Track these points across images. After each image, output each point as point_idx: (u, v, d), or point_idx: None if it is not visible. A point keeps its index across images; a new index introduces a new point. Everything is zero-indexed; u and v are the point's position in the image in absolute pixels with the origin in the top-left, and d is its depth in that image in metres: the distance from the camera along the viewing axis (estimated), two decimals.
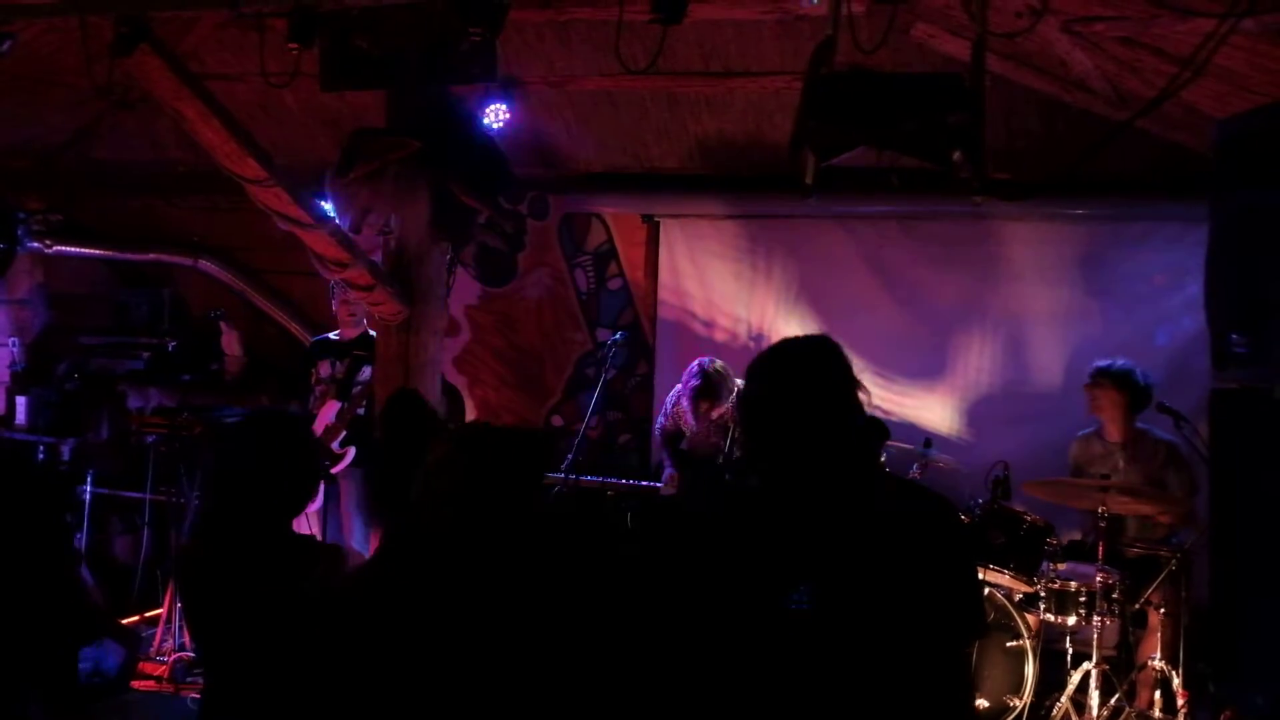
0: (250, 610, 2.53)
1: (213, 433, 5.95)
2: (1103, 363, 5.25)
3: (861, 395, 2.15)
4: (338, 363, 5.82)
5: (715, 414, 5.68)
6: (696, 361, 5.78)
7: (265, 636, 2.51)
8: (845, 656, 2.00)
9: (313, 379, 5.86)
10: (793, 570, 2.02)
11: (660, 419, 6.04)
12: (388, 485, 2.64)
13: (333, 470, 5.56)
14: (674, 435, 5.94)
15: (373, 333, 5.46)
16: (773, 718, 2.02)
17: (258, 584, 2.53)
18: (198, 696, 4.37)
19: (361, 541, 5.19)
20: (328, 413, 5.73)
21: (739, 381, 5.76)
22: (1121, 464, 5.14)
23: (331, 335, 5.93)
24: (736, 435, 5.64)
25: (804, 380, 2.12)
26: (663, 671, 2.09)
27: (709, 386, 5.59)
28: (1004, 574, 4.79)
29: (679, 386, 5.85)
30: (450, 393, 6.25)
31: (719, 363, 5.76)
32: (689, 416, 5.79)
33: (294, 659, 2.41)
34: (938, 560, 2.06)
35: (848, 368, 2.16)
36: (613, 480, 6.01)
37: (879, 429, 2.40)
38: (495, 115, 6.01)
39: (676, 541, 2.21)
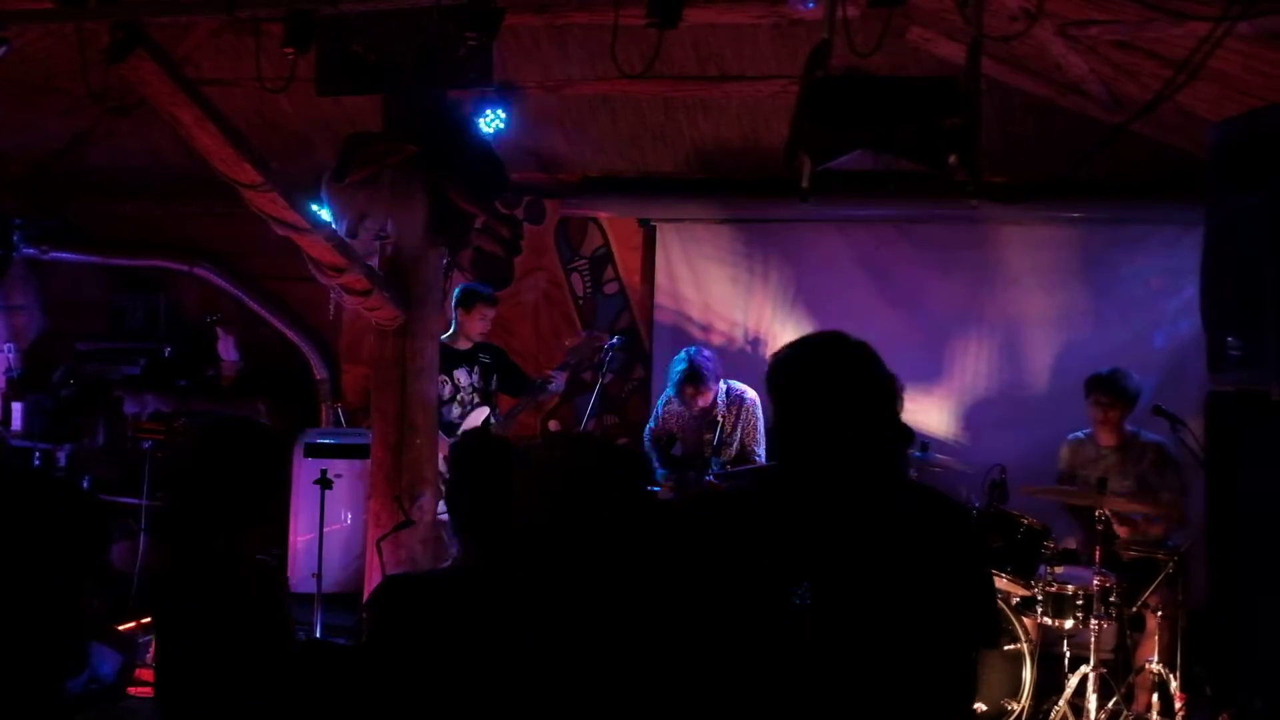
0: (190, 627, 2.52)
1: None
2: (1101, 374, 5.19)
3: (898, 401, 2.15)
4: (471, 371, 5.81)
5: (701, 402, 5.68)
6: (684, 349, 5.78)
7: (204, 650, 2.50)
8: (845, 654, 1.99)
9: (446, 386, 5.73)
10: (796, 566, 2.01)
11: (650, 423, 6.04)
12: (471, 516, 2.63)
13: None
14: (663, 439, 5.94)
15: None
16: (774, 713, 2.01)
17: (202, 598, 2.52)
18: None
19: None
20: (476, 417, 5.75)
21: (734, 383, 5.80)
22: (1114, 468, 5.14)
23: (448, 342, 5.77)
24: (726, 429, 5.69)
25: (850, 376, 2.11)
26: (670, 668, 2.09)
27: (694, 372, 5.59)
28: (1001, 577, 4.79)
29: (668, 390, 5.85)
30: None
31: (706, 351, 5.79)
32: (675, 404, 5.81)
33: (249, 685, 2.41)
34: (953, 565, 2.06)
35: (887, 372, 2.16)
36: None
37: (903, 433, 2.39)
38: (491, 120, 6.02)
39: (678, 541, 2.21)
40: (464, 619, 2.06)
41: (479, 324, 5.81)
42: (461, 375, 5.77)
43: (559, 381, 5.94)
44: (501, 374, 5.92)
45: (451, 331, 5.80)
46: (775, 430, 2.21)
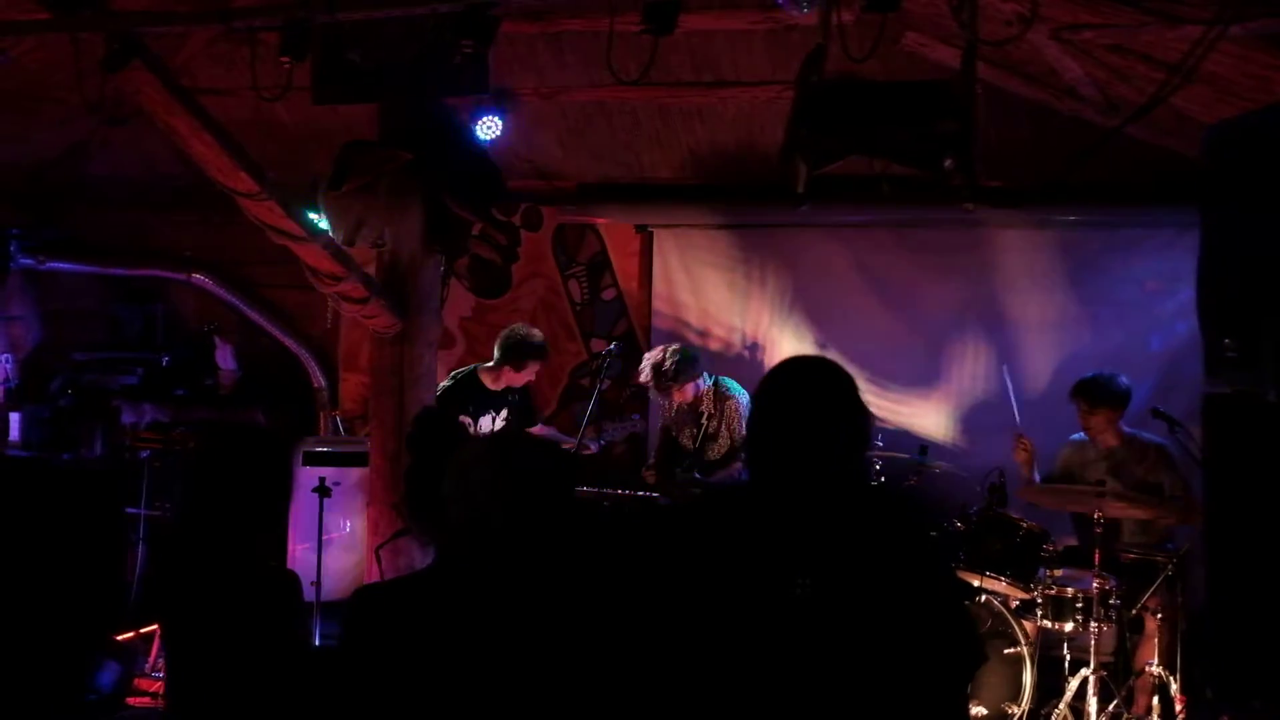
0: (206, 627, 2.53)
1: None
2: (1085, 380, 5.18)
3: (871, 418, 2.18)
4: (496, 415, 5.63)
5: (679, 399, 5.72)
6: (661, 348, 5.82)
7: (219, 651, 2.51)
8: (843, 646, 2.00)
9: (469, 427, 5.56)
10: (792, 563, 2.03)
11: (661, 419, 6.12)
12: (424, 498, 2.63)
13: None
14: (670, 432, 6.00)
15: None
16: (771, 704, 2.02)
17: (218, 601, 2.53)
18: None
19: None
20: None
21: (727, 381, 5.81)
22: (1115, 468, 5.13)
23: (484, 378, 5.62)
24: (710, 427, 5.72)
25: (825, 401, 2.13)
26: (668, 663, 2.09)
27: (657, 374, 5.63)
28: (1001, 581, 4.79)
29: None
30: None
31: (671, 348, 5.74)
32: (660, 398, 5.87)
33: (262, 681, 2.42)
34: (925, 587, 2.08)
35: (856, 392, 2.18)
36: (608, 490, 6.01)
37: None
38: (487, 127, 6.03)
39: (674, 542, 2.22)
40: (438, 623, 2.05)
41: (525, 377, 5.64)
42: (485, 421, 5.59)
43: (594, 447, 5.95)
44: (520, 413, 5.77)
45: (490, 367, 5.62)
46: (752, 442, 2.23)
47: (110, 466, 6.54)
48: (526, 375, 5.64)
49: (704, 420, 5.72)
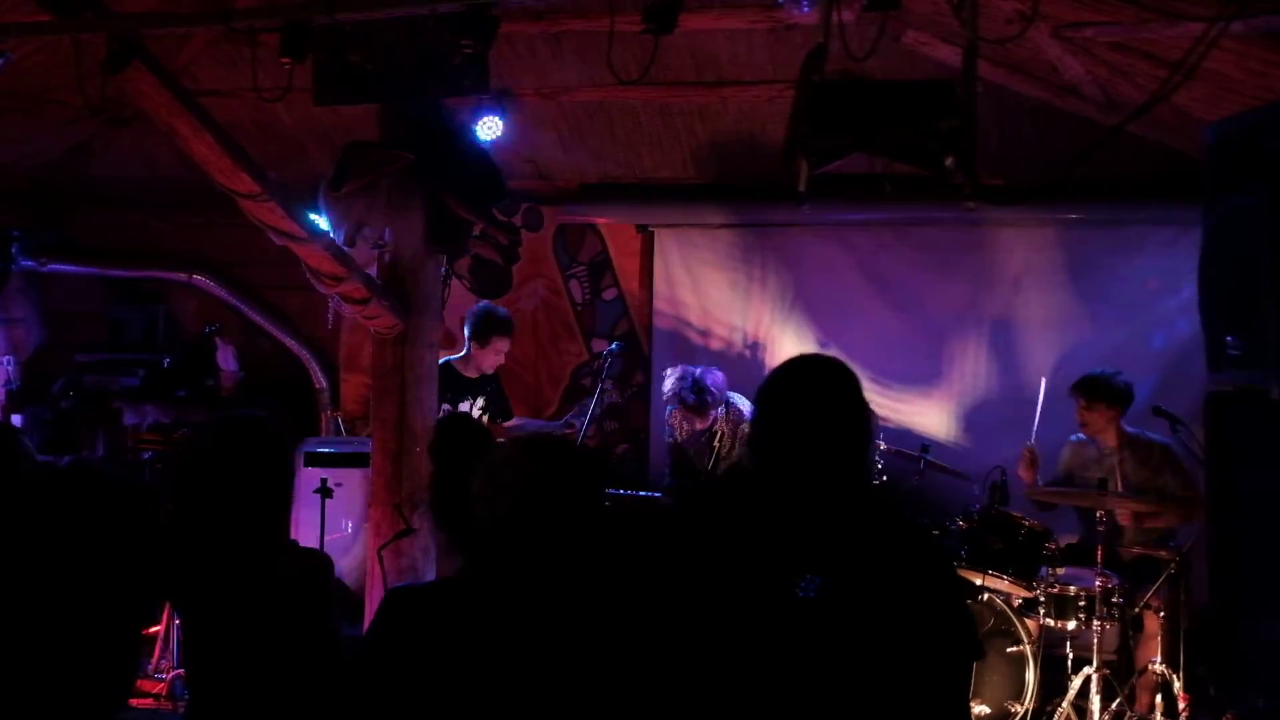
0: (223, 615, 2.53)
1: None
2: (1089, 376, 5.18)
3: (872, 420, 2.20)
4: (474, 402, 5.65)
5: (699, 426, 5.71)
6: (683, 371, 5.73)
7: (237, 642, 2.51)
8: (849, 646, 2.01)
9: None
10: (800, 562, 2.03)
11: (667, 435, 6.07)
12: (448, 501, 2.63)
13: None
14: (679, 449, 5.96)
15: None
16: (772, 702, 2.02)
17: (233, 586, 2.53)
18: None
19: None
20: None
21: (733, 397, 5.78)
22: (1117, 468, 5.12)
23: (458, 366, 5.65)
24: (725, 447, 5.70)
25: (824, 403, 2.14)
26: (679, 662, 2.10)
27: (688, 403, 5.60)
28: (1003, 579, 4.79)
29: (668, 393, 5.86)
30: None
31: (709, 376, 5.68)
32: (677, 417, 5.83)
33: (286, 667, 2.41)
34: (928, 584, 2.09)
35: (859, 391, 2.18)
36: (610, 490, 6.01)
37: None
38: (488, 127, 6.03)
39: (682, 542, 2.22)
40: (468, 626, 2.05)
41: (492, 358, 5.64)
42: (464, 408, 5.63)
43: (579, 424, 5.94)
44: (497, 403, 5.81)
45: (463, 355, 5.67)
46: (756, 439, 2.24)
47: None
48: (494, 356, 5.63)
49: (716, 443, 5.72)
